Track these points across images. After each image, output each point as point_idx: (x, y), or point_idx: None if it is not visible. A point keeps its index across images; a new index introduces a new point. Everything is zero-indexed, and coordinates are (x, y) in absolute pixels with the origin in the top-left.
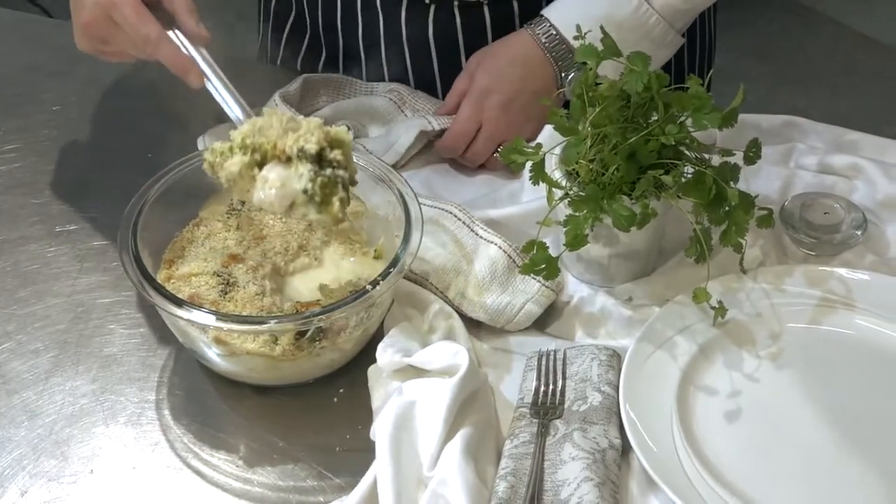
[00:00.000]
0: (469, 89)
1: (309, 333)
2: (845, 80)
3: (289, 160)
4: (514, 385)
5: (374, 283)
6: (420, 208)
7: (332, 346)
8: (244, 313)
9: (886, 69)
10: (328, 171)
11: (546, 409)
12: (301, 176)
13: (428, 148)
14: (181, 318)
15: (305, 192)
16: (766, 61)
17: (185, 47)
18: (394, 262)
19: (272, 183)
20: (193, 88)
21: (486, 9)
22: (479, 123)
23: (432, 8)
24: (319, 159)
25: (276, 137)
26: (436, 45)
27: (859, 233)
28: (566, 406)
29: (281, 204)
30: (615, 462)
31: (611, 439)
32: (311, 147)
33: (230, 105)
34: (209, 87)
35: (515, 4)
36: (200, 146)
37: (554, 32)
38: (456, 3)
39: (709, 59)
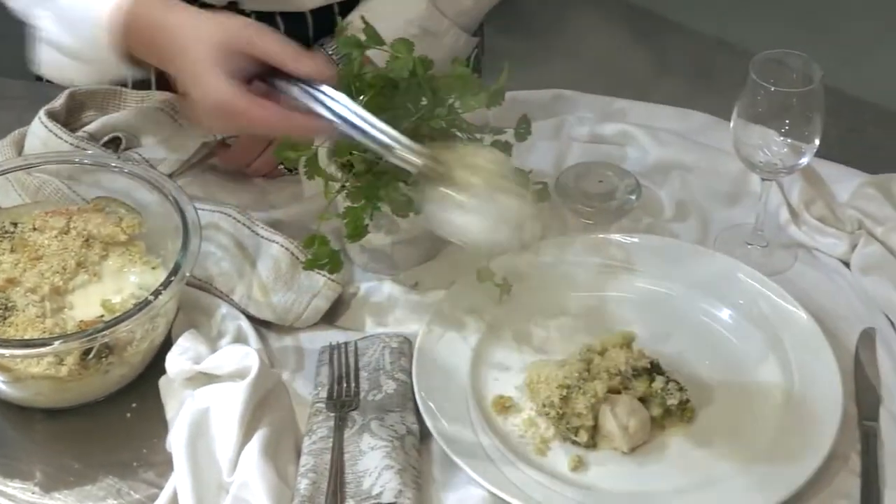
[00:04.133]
0: None
1: (95, 351)
2: (610, 49)
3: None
4: (309, 381)
5: (156, 293)
6: (197, 213)
7: (119, 361)
8: (26, 337)
9: (649, 36)
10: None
11: (342, 402)
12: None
13: (208, 155)
14: None
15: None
16: (534, 38)
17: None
18: (174, 270)
19: None
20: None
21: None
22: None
23: (252, 17)
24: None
25: None
26: None
27: (634, 197)
28: (361, 397)
29: None
30: (414, 447)
31: (408, 425)
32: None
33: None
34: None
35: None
36: None
37: None
38: (278, 12)
39: (480, 41)
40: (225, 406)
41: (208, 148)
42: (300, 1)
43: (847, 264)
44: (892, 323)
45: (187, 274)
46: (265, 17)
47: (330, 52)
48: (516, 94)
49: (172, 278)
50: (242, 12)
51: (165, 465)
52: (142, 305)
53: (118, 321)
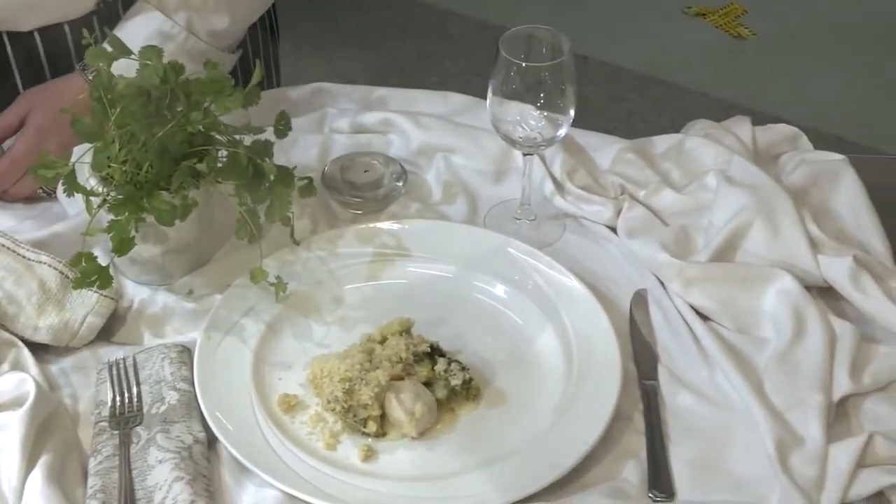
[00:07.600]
0: (25, 127)
1: None
2: (376, 37)
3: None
4: (91, 401)
5: None
6: None
7: None
8: None
9: (417, 22)
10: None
11: (125, 418)
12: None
13: None
14: None
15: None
16: (322, 29)
17: None
18: None
19: None
20: None
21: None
22: (34, 161)
23: None
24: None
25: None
26: None
27: (401, 184)
28: (145, 411)
29: None
30: (203, 455)
31: (195, 434)
32: None
33: None
34: None
35: (67, 27)
36: None
37: None
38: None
39: (273, 41)
40: (5, 436)
41: None
42: (21, 20)
43: (614, 229)
44: (661, 282)
45: None
46: None
47: (91, 77)
48: (275, 91)
49: None
50: None
51: None
52: None
53: None
